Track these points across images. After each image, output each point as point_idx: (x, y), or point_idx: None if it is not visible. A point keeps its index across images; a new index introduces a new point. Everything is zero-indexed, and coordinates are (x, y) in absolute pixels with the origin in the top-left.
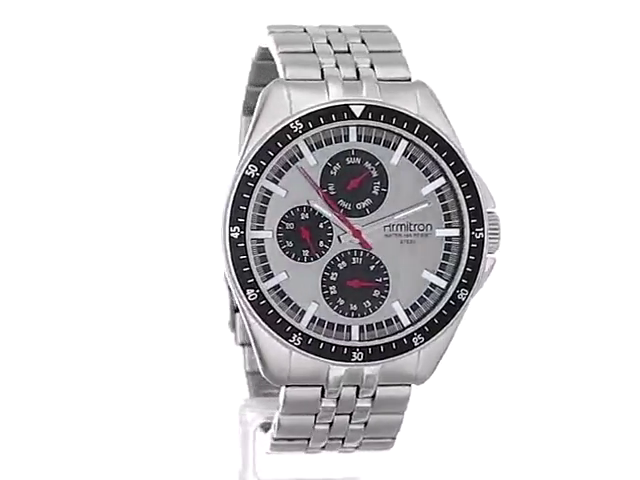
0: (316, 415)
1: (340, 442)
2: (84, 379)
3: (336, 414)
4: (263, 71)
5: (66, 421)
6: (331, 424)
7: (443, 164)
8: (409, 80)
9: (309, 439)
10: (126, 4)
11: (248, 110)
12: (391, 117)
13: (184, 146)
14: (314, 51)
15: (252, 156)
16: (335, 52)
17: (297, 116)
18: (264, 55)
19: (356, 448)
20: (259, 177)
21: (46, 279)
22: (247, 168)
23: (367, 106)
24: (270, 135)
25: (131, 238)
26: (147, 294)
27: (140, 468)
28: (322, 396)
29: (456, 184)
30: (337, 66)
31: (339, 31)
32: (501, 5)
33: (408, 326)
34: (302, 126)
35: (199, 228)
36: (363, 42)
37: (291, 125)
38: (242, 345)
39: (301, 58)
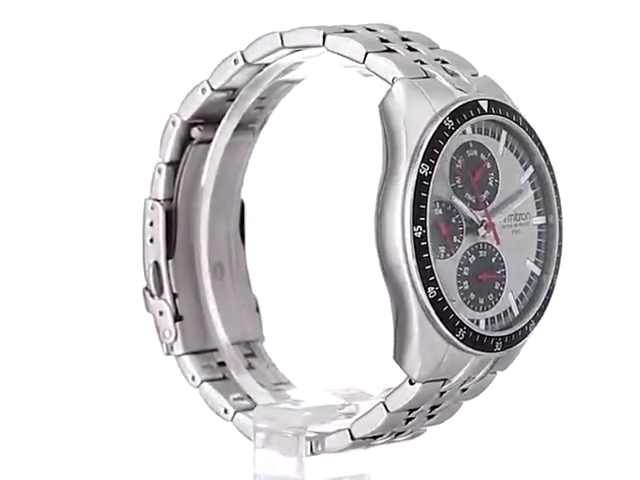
0: (411, 410)
1: (393, 437)
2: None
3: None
4: (243, 75)
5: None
6: (410, 419)
7: (539, 153)
8: (477, 75)
9: (379, 436)
10: None
11: (209, 117)
12: (505, 110)
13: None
14: (391, 50)
15: (422, 155)
16: (408, 50)
17: (446, 113)
18: (260, 59)
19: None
20: (431, 175)
21: None
22: (420, 167)
23: (489, 101)
24: (431, 133)
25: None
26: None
27: None
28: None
29: (547, 172)
30: (422, 64)
31: (370, 30)
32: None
33: (518, 316)
34: (453, 123)
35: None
36: (407, 40)
37: (445, 123)
38: (185, 354)
39: (394, 58)
